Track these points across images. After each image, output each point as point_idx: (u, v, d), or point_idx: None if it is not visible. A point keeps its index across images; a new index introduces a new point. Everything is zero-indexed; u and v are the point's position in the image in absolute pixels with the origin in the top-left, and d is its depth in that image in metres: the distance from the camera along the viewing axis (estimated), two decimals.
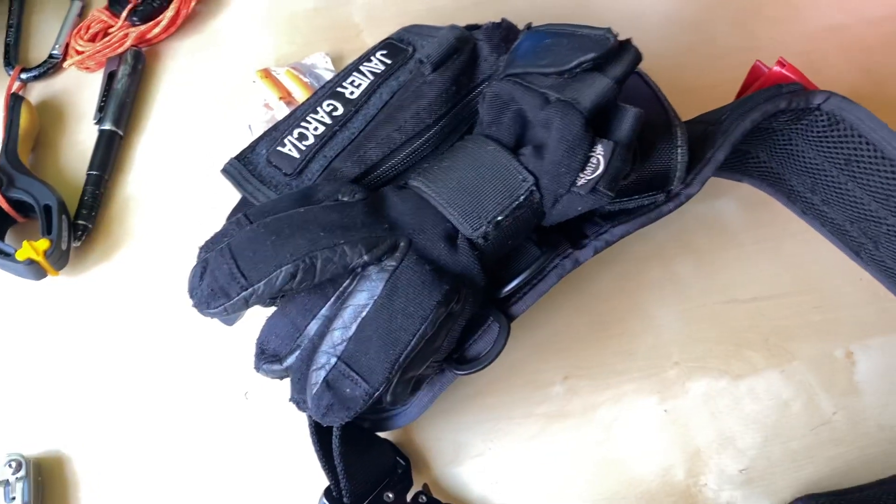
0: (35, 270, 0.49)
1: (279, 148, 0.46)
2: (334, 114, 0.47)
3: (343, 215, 0.39)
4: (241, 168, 0.47)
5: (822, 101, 0.46)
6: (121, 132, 0.56)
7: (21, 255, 0.49)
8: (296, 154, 0.46)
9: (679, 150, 0.43)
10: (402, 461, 0.47)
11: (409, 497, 0.45)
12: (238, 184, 0.47)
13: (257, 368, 0.42)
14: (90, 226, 0.52)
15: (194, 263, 0.39)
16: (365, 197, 0.41)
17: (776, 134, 0.50)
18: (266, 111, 0.56)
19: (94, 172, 0.53)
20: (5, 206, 0.51)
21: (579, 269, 0.54)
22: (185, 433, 0.48)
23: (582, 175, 0.39)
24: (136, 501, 0.47)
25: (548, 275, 0.44)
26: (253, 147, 0.48)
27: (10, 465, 0.46)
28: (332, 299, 0.40)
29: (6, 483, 0.46)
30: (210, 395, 0.49)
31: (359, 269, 0.39)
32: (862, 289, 0.55)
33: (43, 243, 0.49)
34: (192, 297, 0.38)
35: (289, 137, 0.47)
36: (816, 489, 0.49)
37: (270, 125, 0.48)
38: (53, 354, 0.51)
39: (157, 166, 0.56)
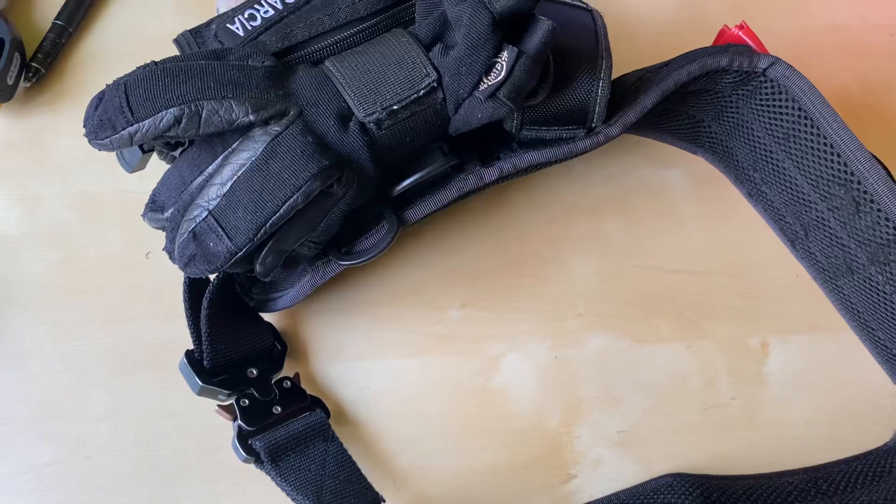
0: None
1: (228, 25, 0.47)
2: (287, 1, 0.47)
3: (242, 74, 0.39)
4: (191, 40, 0.48)
5: (768, 65, 0.44)
6: None
7: None
8: (241, 32, 0.46)
9: (600, 84, 0.42)
10: (278, 345, 0.47)
11: (274, 379, 0.45)
12: None
13: (143, 216, 0.43)
14: (43, 70, 0.53)
15: None
16: (273, 65, 0.41)
17: (723, 99, 0.48)
18: None
19: (60, 23, 0.54)
20: None
21: (506, 208, 0.54)
22: (88, 286, 0.50)
23: (485, 80, 0.39)
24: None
25: (448, 186, 0.44)
26: (209, 23, 0.48)
27: None
28: (221, 158, 0.40)
29: None
30: (113, 253, 0.50)
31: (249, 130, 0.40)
32: (795, 284, 0.53)
33: None
34: (84, 125, 0.39)
35: (239, 16, 0.47)
36: (692, 469, 0.47)
37: None
38: None
39: (124, 29, 0.57)
